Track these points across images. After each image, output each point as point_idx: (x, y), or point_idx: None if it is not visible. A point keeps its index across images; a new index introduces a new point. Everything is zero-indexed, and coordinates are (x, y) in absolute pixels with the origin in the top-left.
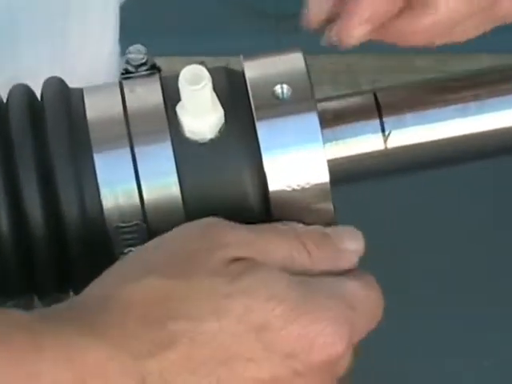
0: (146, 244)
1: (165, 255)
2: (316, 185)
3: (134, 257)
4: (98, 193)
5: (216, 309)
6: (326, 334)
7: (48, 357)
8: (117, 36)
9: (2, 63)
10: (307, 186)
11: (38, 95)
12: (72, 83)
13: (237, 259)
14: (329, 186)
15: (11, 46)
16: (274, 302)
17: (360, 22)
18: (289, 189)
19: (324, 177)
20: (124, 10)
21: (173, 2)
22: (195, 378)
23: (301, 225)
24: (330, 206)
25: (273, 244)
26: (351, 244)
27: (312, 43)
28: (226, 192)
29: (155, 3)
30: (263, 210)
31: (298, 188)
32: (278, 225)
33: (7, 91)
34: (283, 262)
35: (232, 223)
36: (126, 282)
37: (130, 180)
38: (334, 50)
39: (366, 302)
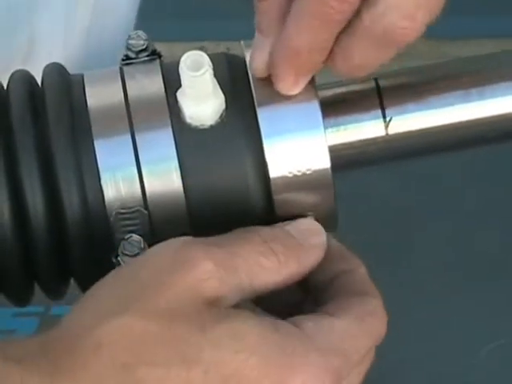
0: (121, 269)
1: (137, 289)
2: (317, 171)
3: (111, 287)
4: (99, 179)
5: (185, 358)
6: None
7: None
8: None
9: (19, 25)
10: (308, 172)
11: (53, 60)
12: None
13: (210, 301)
14: (330, 172)
15: (27, 8)
16: (246, 353)
17: (293, 84)
18: (290, 175)
19: (325, 163)
20: None
21: None
22: None
23: (263, 227)
24: (331, 192)
25: (240, 257)
26: (314, 239)
27: None
28: (227, 178)
29: None
30: (264, 195)
31: (299, 174)
32: (241, 231)
33: (23, 54)
34: (252, 271)
35: (201, 241)
36: (99, 321)
37: (131, 166)
38: None
39: (357, 337)
